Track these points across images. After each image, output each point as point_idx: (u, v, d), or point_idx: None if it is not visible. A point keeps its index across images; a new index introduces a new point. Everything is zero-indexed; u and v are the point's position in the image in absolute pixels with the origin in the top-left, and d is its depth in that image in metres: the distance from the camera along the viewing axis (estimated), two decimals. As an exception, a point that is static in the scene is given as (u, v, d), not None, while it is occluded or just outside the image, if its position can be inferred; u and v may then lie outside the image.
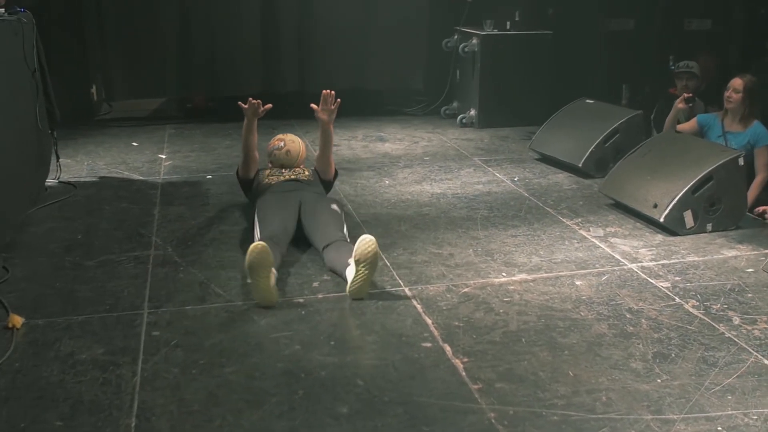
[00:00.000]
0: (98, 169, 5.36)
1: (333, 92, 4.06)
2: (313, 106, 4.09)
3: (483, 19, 6.63)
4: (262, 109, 4.06)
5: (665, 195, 4.03)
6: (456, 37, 6.87)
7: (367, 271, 3.21)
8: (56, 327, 3.04)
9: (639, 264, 3.64)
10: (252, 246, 3.15)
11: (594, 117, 5.35)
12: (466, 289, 3.36)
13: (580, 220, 4.28)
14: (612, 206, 4.49)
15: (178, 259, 3.71)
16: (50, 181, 4.94)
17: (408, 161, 5.59)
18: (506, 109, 6.66)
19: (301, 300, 3.27)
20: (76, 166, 5.45)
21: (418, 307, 3.20)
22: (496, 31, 6.59)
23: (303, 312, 3.16)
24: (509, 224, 4.21)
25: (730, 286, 3.39)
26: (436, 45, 7.00)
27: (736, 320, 3.06)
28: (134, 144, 6.15)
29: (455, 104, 7.05)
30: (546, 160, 5.53)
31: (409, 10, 7.05)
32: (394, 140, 6.27)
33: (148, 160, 5.64)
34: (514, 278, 3.48)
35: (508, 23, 6.59)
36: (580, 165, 5.09)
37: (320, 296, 3.30)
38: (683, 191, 3.97)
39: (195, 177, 5.17)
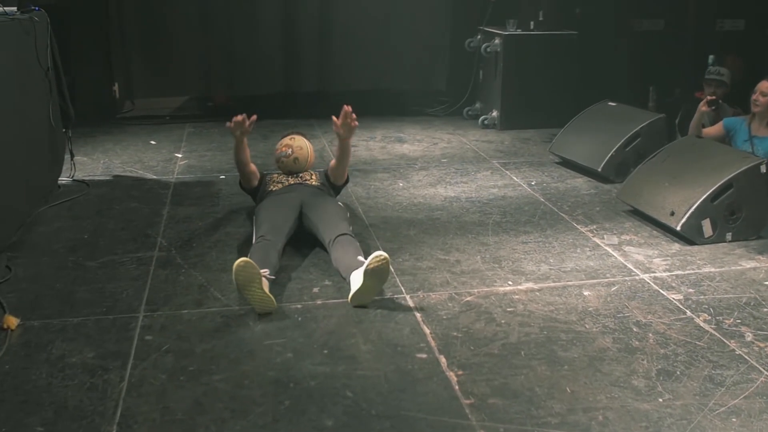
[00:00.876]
0: (113, 168, 5.36)
1: (350, 109, 3.92)
2: (334, 118, 3.96)
3: (506, 19, 6.50)
4: (248, 123, 3.91)
5: (683, 202, 3.89)
6: (479, 36, 6.76)
7: (373, 285, 3.14)
8: (51, 329, 3.01)
9: (652, 274, 3.51)
10: (234, 265, 3.06)
11: (615, 120, 5.21)
12: (469, 298, 3.27)
13: (594, 227, 4.15)
14: (630, 213, 4.35)
15: (180, 261, 3.67)
16: (64, 180, 4.95)
17: (425, 163, 5.50)
18: (529, 110, 6.53)
19: (299, 306, 3.21)
20: (92, 164, 5.46)
21: (418, 315, 3.11)
22: (519, 31, 6.46)
23: (300, 318, 3.10)
24: (521, 230, 4.10)
25: (746, 299, 3.25)
26: (459, 45, 6.89)
27: (749, 336, 2.93)
28: (152, 142, 6.15)
29: (478, 105, 6.93)
30: (566, 163, 5.40)
31: (432, 9, 6.96)
32: (413, 141, 6.18)
33: (164, 159, 5.63)
34: (519, 287, 3.38)
35: (532, 23, 6.46)
36: (599, 169, 4.96)
37: (319, 302, 3.24)
38: (702, 199, 3.82)
39: (208, 177, 5.14)
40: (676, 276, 3.50)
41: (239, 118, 3.89)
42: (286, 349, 2.85)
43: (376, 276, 3.12)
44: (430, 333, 2.96)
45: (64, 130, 4.95)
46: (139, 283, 3.43)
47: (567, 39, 6.53)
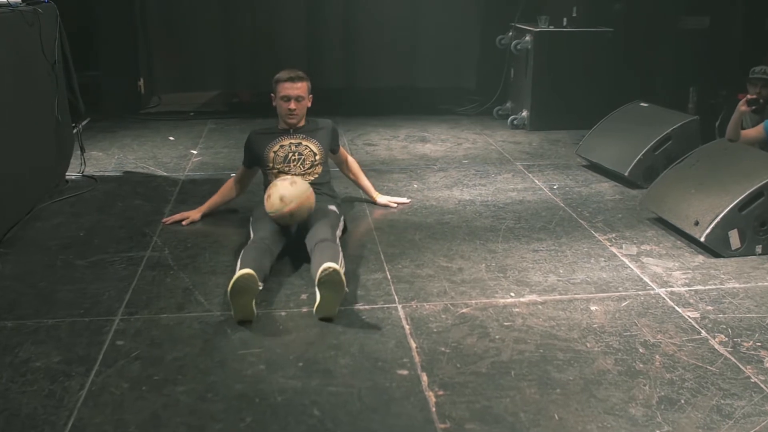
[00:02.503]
0: (126, 164, 5.27)
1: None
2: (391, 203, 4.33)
3: (538, 15, 6.23)
4: (185, 223, 4.02)
5: (708, 211, 3.60)
6: (511, 33, 6.50)
7: (330, 297, 2.95)
8: (23, 330, 2.90)
9: (668, 289, 3.24)
10: (237, 275, 2.89)
11: (646, 122, 4.91)
12: (465, 310, 3.05)
13: (614, 235, 3.88)
14: (654, 221, 4.06)
15: (171, 262, 3.53)
16: (73, 175, 4.88)
17: (445, 164, 5.28)
18: (560, 110, 6.25)
19: (284, 313, 3.03)
20: (106, 159, 5.38)
21: (407, 327, 2.91)
22: (551, 28, 6.18)
23: (281, 327, 2.92)
24: (534, 237, 3.85)
25: (771, 320, 2.96)
26: (490, 42, 6.64)
27: (768, 362, 2.65)
28: (171, 138, 6.06)
29: (509, 104, 6.67)
30: (593, 167, 5.11)
31: (462, 4, 6.73)
32: (436, 141, 5.96)
33: (179, 155, 5.52)
34: (522, 299, 3.14)
35: (565, 19, 6.17)
36: (626, 174, 4.67)
37: (305, 310, 3.06)
38: (729, 208, 3.53)
39: (219, 174, 5.00)
40: (695, 291, 3.22)
41: (174, 218, 4.04)
42: (260, 359, 2.68)
43: (328, 287, 2.92)
44: (416, 347, 2.75)
45: (73, 125, 4.87)
46: (124, 284, 3.30)
47: (602, 36, 6.22)
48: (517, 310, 3.05)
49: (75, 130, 4.92)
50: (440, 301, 3.13)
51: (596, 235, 3.89)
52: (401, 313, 3.03)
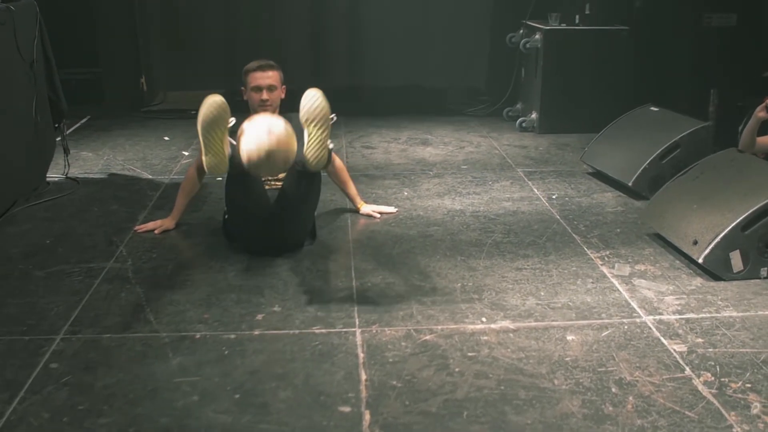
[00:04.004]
0: (113, 165, 5.12)
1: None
2: (374, 212, 4.11)
3: (549, 12, 5.93)
4: (157, 231, 3.84)
5: (708, 230, 3.30)
6: (522, 31, 6.20)
7: (319, 131, 3.05)
8: (-42, 349, 2.74)
9: (657, 317, 2.96)
10: (208, 99, 2.93)
11: (655, 127, 4.60)
12: (428, 337, 2.81)
13: (608, 252, 3.60)
14: (654, 237, 3.77)
15: (131, 275, 3.35)
16: (55, 177, 4.74)
17: (442, 169, 5.03)
18: (571, 113, 5.95)
19: (233, 336, 2.83)
20: (94, 160, 5.24)
21: (361, 356, 2.68)
22: (563, 26, 5.88)
23: (226, 352, 2.72)
24: (520, 253, 3.59)
25: (766, 356, 2.67)
26: (500, 40, 6.35)
27: (756, 408, 2.36)
28: (166, 138, 5.90)
29: (519, 106, 6.39)
30: (599, 175, 4.82)
31: (472, 1, 6.44)
32: (438, 144, 5.71)
33: (170, 157, 5.36)
34: (493, 325, 2.90)
35: (577, 17, 5.86)
36: (630, 184, 4.37)
37: (257, 333, 2.85)
38: (730, 227, 3.23)
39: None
40: (686, 320, 2.93)
41: (147, 227, 3.87)
42: (195, 389, 2.48)
43: (314, 118, 3.04)
44: (366, 380, 2.53)
45: (56, 125, 4.73)
46: (76, 299, 3.13)
47: (617, 35, 5.90)
48: (485, 338, 2.80)
49: (58, 131, 4.77)
50: (403, 325, 2.89)
51: (588, 252, 3.61)
52: (359, 338, 2.80)
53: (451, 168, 5.06)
